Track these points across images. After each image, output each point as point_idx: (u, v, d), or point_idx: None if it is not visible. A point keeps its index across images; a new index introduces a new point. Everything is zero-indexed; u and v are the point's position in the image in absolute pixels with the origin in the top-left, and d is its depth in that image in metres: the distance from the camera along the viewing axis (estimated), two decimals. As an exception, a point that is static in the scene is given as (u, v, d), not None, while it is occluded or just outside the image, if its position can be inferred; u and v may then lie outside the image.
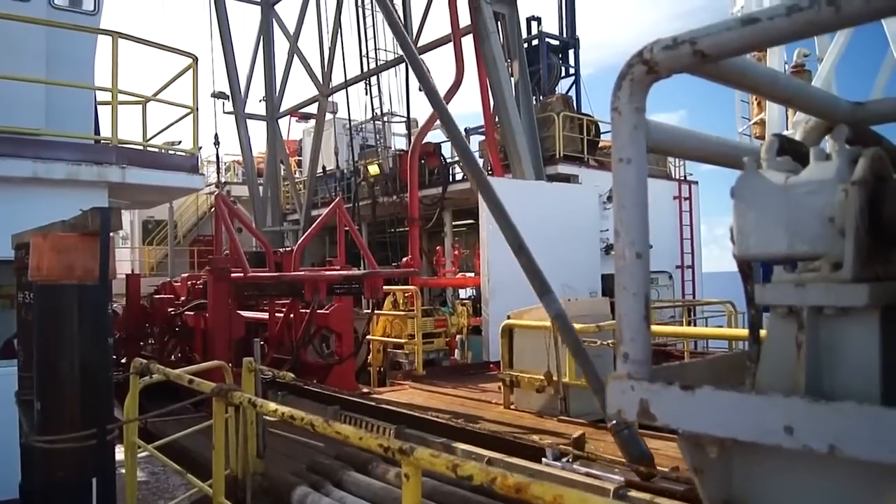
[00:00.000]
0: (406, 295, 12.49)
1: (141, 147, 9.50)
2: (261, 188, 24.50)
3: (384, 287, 10.38)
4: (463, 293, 17.85)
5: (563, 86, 20.35)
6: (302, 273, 9.94)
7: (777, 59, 17.73)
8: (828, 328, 1.26)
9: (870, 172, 1.26)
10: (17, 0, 9.14)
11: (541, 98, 18.26)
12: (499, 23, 15.47)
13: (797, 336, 1.26)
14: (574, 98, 19.41)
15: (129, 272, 16.41)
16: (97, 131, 10.12)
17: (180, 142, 14.32)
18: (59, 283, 3.87)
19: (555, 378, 7.29)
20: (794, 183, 1.30)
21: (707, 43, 1.17)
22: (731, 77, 1.33)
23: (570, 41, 20.54)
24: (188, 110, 9.69)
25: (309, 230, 11.41)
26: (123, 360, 10.02)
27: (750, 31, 1.14)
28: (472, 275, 15.04)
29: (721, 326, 12.66)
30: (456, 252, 16.43)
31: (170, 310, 11.54)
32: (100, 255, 3.66)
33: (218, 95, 24.06)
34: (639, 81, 1.24)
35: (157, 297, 12.96)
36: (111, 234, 3.83)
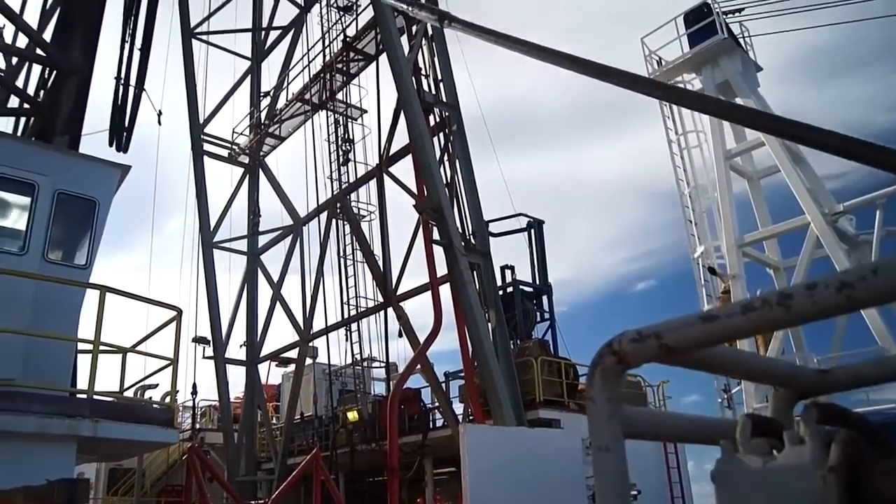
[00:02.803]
0: (384, 554, 11.71)
1: (115, 399, 9.35)
2: (235, 434, 23.82)
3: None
4: (446, 549, 16.78)
5: (540, 329, 20.84)
6: (273, 532, 9.37)
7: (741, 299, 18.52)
8: None
9: (844, 457, 1.28)
10: (13, 254, 9.50)
11: (518, 342, 18.59)
12: (474, 272, 16.18)
13: None
14: (550, 342, 19.78)
15: (89, 530, 15.36)
16: (74, 381, 10.01)
17: (157, 385, 14.13)
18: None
19: None
20: (772, 468, 1.31)
21: (670, 337, 1.24)
22: (698, 364, 1.40)
23: (542, 287, 21.38)
24: (168, 361, 9.69)
25: (284, 483, 10.94)
26: None
27: (709, 327, 1.22)
28: (456, 528, 14.26)
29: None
30: None
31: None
32: (60, 529, 3.46)
33: (199, 340, 24.24)
34: (610, 371, 1.29)
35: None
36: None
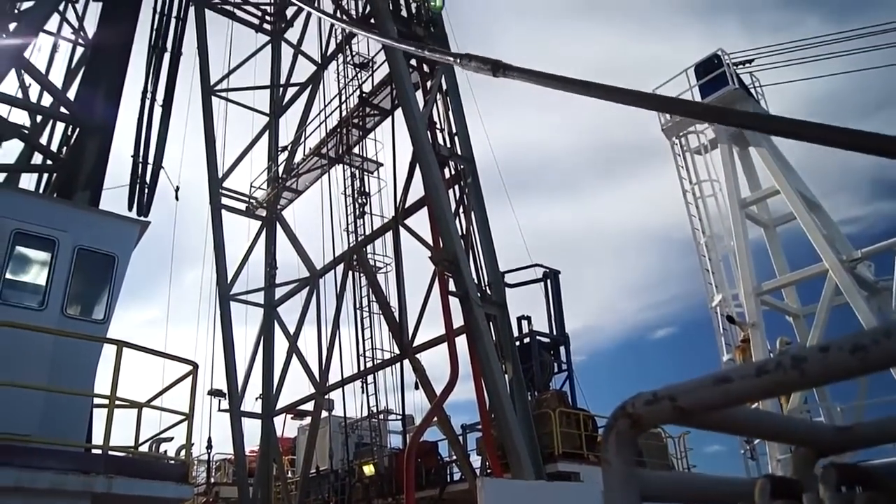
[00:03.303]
0: None
1: (130, 454, 9.32)
2: (251, 489, 23.56)
3: None
4: None
5: (557, 381, 20.62)
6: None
7: (761, 348, 18.32)
8: None
9: (864, 522, 1.26)
10: (33, 309, 9.60)
11: (535, 394, 18.39)
12: (491, 323, 16.12)
13: None
14: (569, 393, 19.56)
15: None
16: (89, 435, 10.00)
17: (172, 438, 14.09)
18: None
19: None
20: (792, 533, 1.29)
21: (685, 400, 1.24)
22: (714, 425, 1.39)
23: (560, 338, 21.22)
24: (183, 416, 9.66)
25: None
26: None
27: (723, 389, 1.22)
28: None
29: None
30: (455, 559, 15.37)
31: None
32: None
33: (214, 393, 24.16)
34: (625, 434, 1.29)
35: None
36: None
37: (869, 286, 17.91)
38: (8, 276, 9.57)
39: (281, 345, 24.71)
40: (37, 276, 9.96)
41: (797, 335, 19.65)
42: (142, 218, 12.42)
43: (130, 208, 13.15)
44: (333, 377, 21.39)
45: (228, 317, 24.08)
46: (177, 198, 15.28)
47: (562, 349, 21.26)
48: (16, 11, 14.37)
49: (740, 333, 19.00)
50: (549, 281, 21.75)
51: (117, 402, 8.85)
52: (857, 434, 1.93)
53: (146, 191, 13.32)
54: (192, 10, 20.84)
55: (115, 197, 13.12)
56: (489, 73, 4.06)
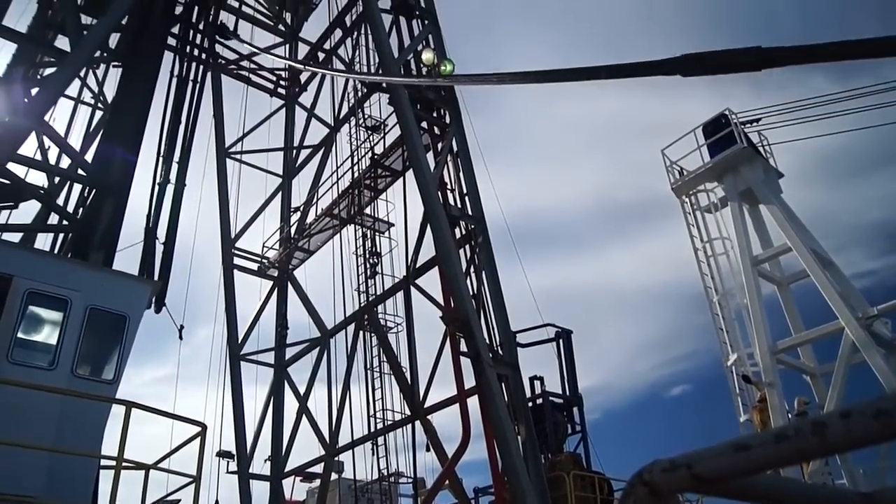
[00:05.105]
0: None
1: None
2: (258, 557, 23.03)
3: None
4: None
5: (571, 442, 20.24)
6: None
7: (778, 407, 17.97)
8: None
9: None
10: (43, 369, 9.57)
11: (549, 456, 18.04)
12: (503, 384, 15.93)
13: None
14: (583, 455, 19.18)
15: None
16: (95, 496, 9.86)
17: (179, 501, 13.91)
18: None
19: None
20: None
21: (703, 468, 1.21)
22: (733, 493, 1.35)
23: (573, 398, 20.91)
24: (191, 479, 9.51)
25: None
26: None
27: (742, 457, 1.18)
28: None
29: None
30: None
31: None
32: None
33: (223, 455, 23.83)
34: (643, 502, 1.25)
35: None
36: None
37: (887, 343, 17.67)
38: (20, 335, 9.58)
39: (291, 405, 24.51)
40: (48, 335, 9.97)
41: (815, 394, 19.32)
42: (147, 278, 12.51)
43: (142, 274, 13.25)
44: (343, 439, 21.09)
45: (238, 377, 23.95)
46: (181, 337, 15.17)
47: (575, 410, 20.93)
48: (38, 77, 14.79)
49: (757, 393, 18.70)
50: (561, 341, 21.56)
51: (124, 464, 8.74)
52: (881, 500, 1.87)
53: (158, 261, 13.47)
54: (208, 75, 21.33)
55: (128, 257, 13.26)
56: (750, 69, 3.67)
